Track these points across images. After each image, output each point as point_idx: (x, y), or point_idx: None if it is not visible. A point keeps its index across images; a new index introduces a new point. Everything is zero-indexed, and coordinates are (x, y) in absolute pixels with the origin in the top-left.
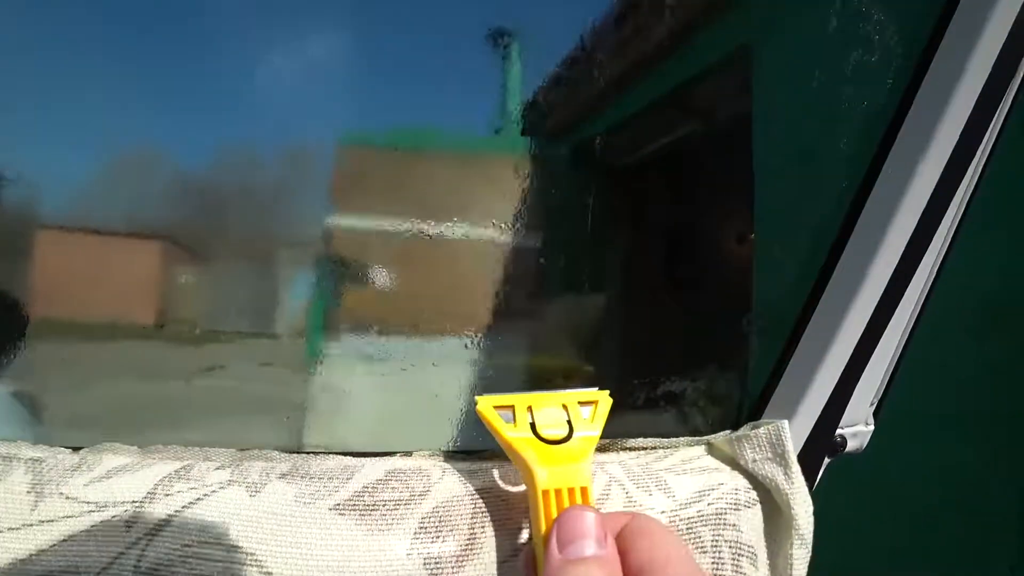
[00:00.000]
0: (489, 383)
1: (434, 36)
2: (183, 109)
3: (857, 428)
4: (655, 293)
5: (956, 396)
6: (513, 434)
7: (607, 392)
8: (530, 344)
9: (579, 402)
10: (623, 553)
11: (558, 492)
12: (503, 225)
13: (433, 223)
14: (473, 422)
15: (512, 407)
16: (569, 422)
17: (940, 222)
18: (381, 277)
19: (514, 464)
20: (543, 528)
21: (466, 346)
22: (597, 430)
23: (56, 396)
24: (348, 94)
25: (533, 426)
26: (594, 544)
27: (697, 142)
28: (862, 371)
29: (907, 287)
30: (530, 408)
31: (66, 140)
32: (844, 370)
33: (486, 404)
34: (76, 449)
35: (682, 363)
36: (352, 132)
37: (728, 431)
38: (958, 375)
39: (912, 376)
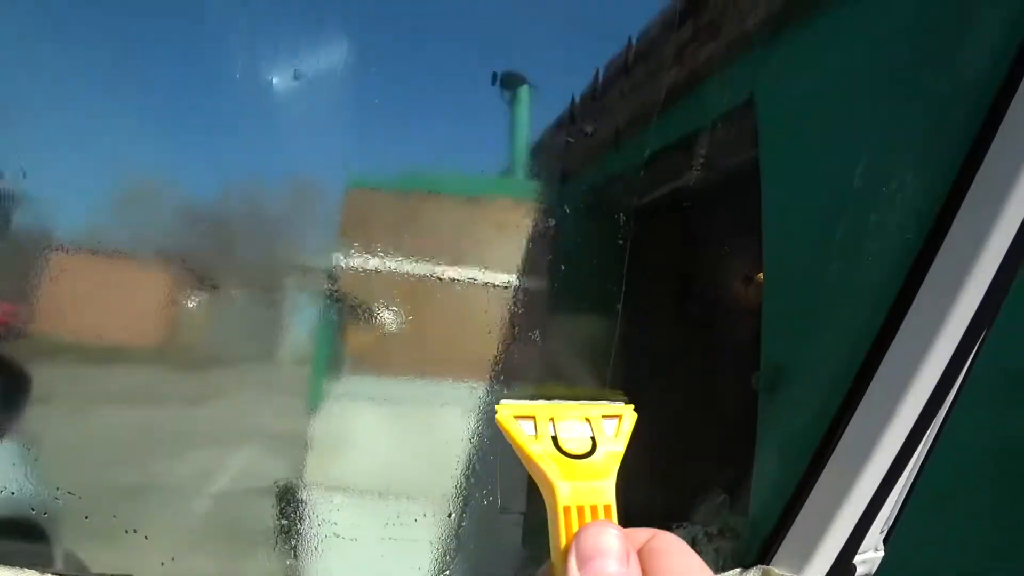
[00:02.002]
0: (495, 428)
1: (443, 78)
2: (193, 139)
3: (867, 555)
4: (665, 336)
5: (975, 470)
6: (534, 447)
7: (631, 407)
8: (537, 388)
9: (603, 416)
10: (643, 572)
11: (580, 509)
12: (510, 268)
13: (440, 265)
14: (477, 467)
15: (533, 417)
16: (592, 438)
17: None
18: (388, 318)
19: (534, 478)
20: (563, 544)
21: (472, 390)
22: (621, 446)
23: (55, 423)
24: (357, 134)
25: (555, 439)
26: (615, 562)
27: (705, 189)
28: (882, 505)
29: (938, 413)
30: (552, 420)
31: (80, 165)
32: (866, 508)
33: (506, 413)
34: None
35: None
36: (361, 174)
37: (739, 570)
38: (976, 448)
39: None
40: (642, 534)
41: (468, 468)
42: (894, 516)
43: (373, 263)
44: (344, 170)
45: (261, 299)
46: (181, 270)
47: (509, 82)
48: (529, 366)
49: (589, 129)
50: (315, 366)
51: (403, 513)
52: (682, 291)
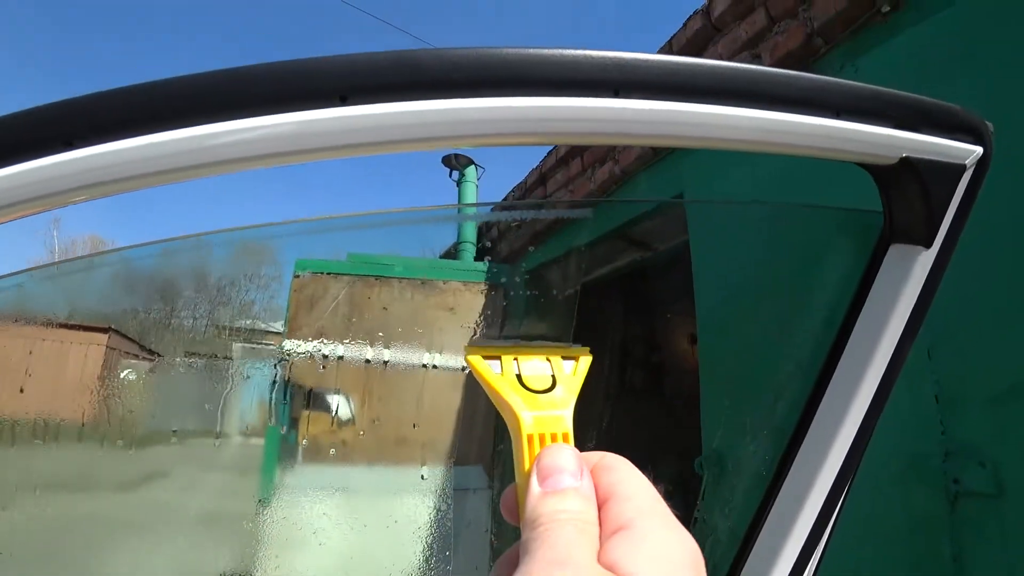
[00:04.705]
0: (450, 510)
1: (391, 161)
2: (134, 202)
3: None
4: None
5: (885, 544)
6: (501, 383)
7: (588, 349)
8: (491, 469)
9: (562, 356)
10: (595, 485)
11: (541, 436)
12: (461, 351)
13: (390, 349)
14: (434, 553)
15: (499, 357)
16: (552, 375)
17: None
18: (339, 404)
19: (500, 411)
20: (526, 467)
21: (423, 477)
22: (578, 383)
23: None
24: (304, 217)
25: (519, 377)
26: (571, 476)
27: (644, 274)
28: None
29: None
30: (516, 359)
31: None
32: None
33: (475, 354)
34: None
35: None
36: (308, 259)
37: None
38: (884, 524)
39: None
40: (594, 455)
41: (425, 553)
42: None
43: (323, 348)
44: (290, 255)
45: (203, 364)
46: (116, 337)
47: (457, 162)
48: (483, 446)
49: (534, 213)
50: (265, 459)
51: None
52: (626, 364)
